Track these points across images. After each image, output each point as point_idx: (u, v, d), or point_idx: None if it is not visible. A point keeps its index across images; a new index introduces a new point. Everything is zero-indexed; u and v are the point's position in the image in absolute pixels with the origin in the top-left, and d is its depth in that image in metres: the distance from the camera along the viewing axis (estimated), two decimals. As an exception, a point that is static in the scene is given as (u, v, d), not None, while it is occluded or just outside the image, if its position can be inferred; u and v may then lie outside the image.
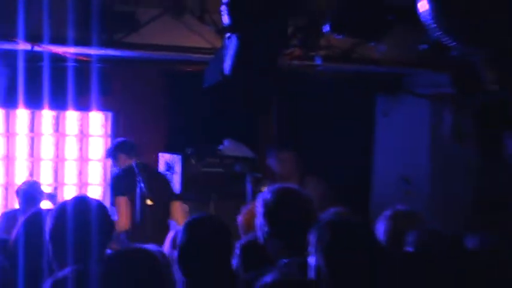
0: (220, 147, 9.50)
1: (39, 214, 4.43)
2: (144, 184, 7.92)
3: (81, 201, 4.16)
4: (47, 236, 4.09)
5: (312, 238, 3.89)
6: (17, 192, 8.36)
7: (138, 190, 7.96)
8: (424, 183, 10.07)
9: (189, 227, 4.38)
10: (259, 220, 4.50)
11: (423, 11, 5.25)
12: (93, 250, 3.97)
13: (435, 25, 5.31)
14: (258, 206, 4.53)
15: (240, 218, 5.51)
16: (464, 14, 5.17)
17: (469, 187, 9.89)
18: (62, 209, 4.08)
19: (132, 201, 8.05)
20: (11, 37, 7.70)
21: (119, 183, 8.26)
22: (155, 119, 10.05)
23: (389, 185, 9.98)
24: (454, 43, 5.47)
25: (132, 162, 8.21)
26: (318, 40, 7.71)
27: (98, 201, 4.25)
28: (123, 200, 8.05)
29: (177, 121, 10.12)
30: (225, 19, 6.41)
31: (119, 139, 8.91)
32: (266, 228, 4.43)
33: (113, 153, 8.56)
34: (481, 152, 9.55)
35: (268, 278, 3.75)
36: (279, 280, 3.77)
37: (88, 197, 4.26)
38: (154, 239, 5.54)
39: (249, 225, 5.23)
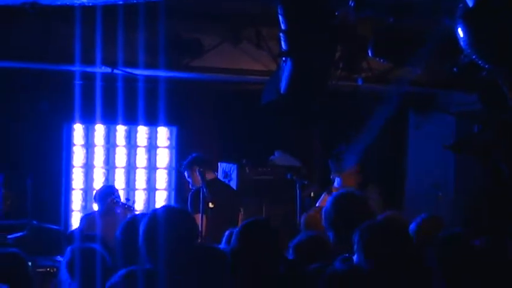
0: (272, 157, 9.55)
1: (136, 219, 4.51)
2: (206, 189, 7.84)
3: (170, 210, 4.21)
4: (140, 237, 4.13)
5: (354, 238, 3.96)
6: (95, 195, 8.39)
7: (201, 196, 7.84)
8: (450, 190, 10.06)
9: (242, 229, 4.44)
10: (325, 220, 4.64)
11: (460, 37, 5.29)
12: (178, 251, 4.00)
13: (470, 49, 5.34)
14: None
15: (302, 219, 5.58)
16: (497, 39, 5.21)
17: (488, 196, 9.87)
18: (153, 216, 4.12)
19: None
20: (92, 62, 7.83)
21: (195, 200, 8.04)
22: (215, 132, 10.10)
23: (420, 191, 9.96)
24: (486, 65, 5.51)
25: (213, 175, 8.08)
26: (360, 63, 7.74)
27: (184, 210, 4.29)
28: (197, 217, 7.85)
29: (234, 134, 10.16)
30: (283, 45, 6.48)
31: (197, 154, 8.69)
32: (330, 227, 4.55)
33: (195, 165, 8.40)
34: (504, 165, 9.53)
35: (335, 268, 3.78)
36: (346, 270, 3.79)
37: (176, 206, 4.30)
38: (214, 239, 5.54)
39: (309, 225, 5.31)
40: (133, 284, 3.69)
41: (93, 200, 8.43)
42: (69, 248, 4.49)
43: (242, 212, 8.78)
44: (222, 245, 5.10)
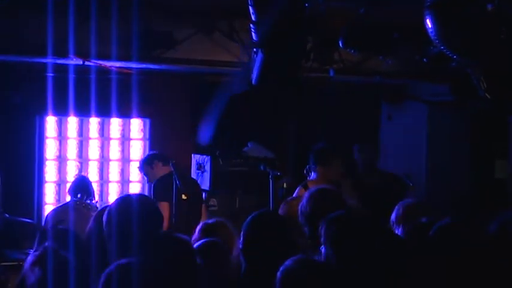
0: (245, 149, 9.56)
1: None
2: (179, 181, 7.89)
3: (128, 199, 4.23)
4: (105, 228, 4.12)
5: (321, 230, 3.97)
6: (69, 188, 8.38)
7: (174, 187, 7.90)
8: (423, 179, 10.14)
9: (253, 221, 4.48)
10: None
11: (428, 28, 5.34)
12: (146, 240, 3.99)
13: (438, 40, 5.39)
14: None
15: (281, 211, 5.60)
16: (464, 31, 5.25)
17: (461, 183, 9.96)
18: (122, 205, 4.12)
19: (172, 205, 7.98)
20: (64, 54, 7.80)
21: (159, 189, 8.15)
22: (188, 124, 10.09)
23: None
24: (455, 56, 5.56)
25: (168, 169, 8.11)
26: (332, 55, 7.77)
27: (143, 196, 4.29)
28: (165, 205, 7.89)
29: (205, 126, 10.15)
30: (254, 36, 6.49)
31: (153, 150, 8.93)
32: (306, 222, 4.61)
33: (149, 161, 8.47)
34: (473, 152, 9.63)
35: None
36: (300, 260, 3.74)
37: (134, 195, 4.31)
38: (188, 230, 5.56)
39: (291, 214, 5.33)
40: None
41: (67, 192, 8.43)
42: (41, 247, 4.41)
43: (205, 205, 8.82)
44: (195, 237, 5.10)
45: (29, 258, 4.04)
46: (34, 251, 4.32)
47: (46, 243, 4.08)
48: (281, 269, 3.50)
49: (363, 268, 3.67)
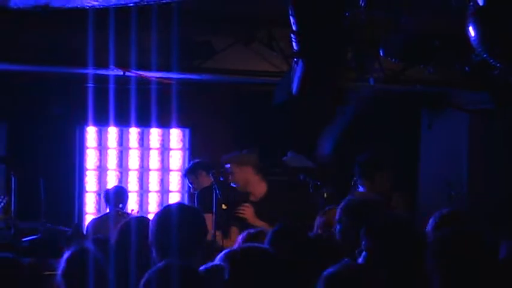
0: (284, 158, 9.55)
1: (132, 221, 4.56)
2: (219, 191, 7.87)
3: (182, 207, 4.23)
4: (150, 237, 4.14)
5: (361, 234, 3.99)
6: (105, 196, 8.47)
7: (214, 197, 7.88)
8: (464, 188, 10.06)
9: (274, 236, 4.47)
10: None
11: (470, 36, 5.30)
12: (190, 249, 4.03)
13: (481, 48, 5.36)
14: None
15: (321, 218, 5.60)
16: (508, 39, 5.22)
17: (502, 192, 9.87)
18: (164, 214, 4.15)
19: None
20: (105, 64, 7.88)
21: (203, 201, 8.05)
22: (228, 134, 10.11)
23: (434, 189, 9.96)
24: (498, 64, 5.52)
25: (210, 180, 8.09)
26: (372, 64, 7.75)
27: (195, 207, 4.32)
28: (209, 217, 7.88)
29: (244, 136, 10.17)
30: (294, 45, 6.50)
31: (196, 160, 8.83)
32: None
33: (193, 170, 8.48)
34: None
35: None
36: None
37: (187, 204, 4.34)
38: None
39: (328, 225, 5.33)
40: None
41: (104, 201, 8.50)
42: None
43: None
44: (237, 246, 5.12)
45: (65, 255, 4.10)
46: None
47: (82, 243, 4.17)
48: (325, 274, 3.48)
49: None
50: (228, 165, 7.90)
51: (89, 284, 3.92)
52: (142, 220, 4.77)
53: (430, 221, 5.18)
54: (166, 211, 4.21)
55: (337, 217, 4.92)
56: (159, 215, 4.23)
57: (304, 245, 4.36)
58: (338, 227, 4.90)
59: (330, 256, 4.18)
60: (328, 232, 5.14)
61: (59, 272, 4.13)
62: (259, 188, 8.02)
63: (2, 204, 8.48)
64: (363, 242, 4.04)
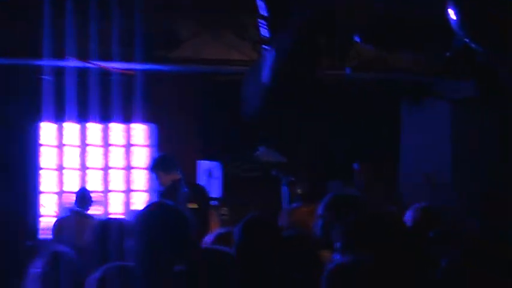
0: (256, 153, 9.55)
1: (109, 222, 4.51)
2: (187, 189, 7.85)
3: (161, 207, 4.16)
4: (134, 238, 4.07)
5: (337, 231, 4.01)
6: (67, 197, 8.47)
7: (181, 195, 7.86)
8: (447, 178, 10.14)
9: (245, 226, 4.45)
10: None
11: (452, 20, 5.30)
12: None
13: (462, 32, 5.36)
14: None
15: (286, 216, 5.58)
16: (490, 23, 5.22)
17: (489, 181, 9.94)
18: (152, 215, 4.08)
19: None
20: (61, 55, 7.80)
21: (166, 198, 8.06)
22: (195, 128, 10.08)
23: (416, 180, 10.04)
24: (480, 49, 5.52)
25: (173, 177, 8.04)
26: (348, 51, 7.74)
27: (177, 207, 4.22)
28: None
29: (214, 130, 10.14)
30: (264, 32, 6.47)
31: (157, 156, 8.79)
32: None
33: (153, 170, 8.42)
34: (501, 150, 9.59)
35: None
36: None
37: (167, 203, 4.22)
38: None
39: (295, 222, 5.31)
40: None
41: (70, 203, 8.49)
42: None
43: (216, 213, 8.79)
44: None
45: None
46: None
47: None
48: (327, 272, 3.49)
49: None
50: None
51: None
52: (118, 222, 4.70)
53: (407, 214, 5.23)
54: (153, 210, 4.09)
55: (319, 212, 4.93)
56: (145, 215, 4.09)
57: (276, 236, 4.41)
58: (320, 222, 4.90)
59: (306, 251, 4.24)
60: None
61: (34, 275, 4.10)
62: None
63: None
64: (341, 239, 4.04)
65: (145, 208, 4.03)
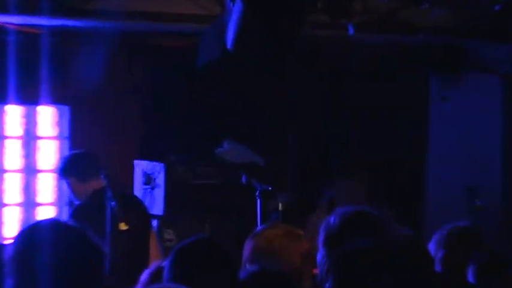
0: (218, 150, 9.64)
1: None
2: (115, 202, 7.83)
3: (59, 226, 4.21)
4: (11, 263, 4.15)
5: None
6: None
7: (107, 212, 7.84)
8: (497, 195, 10.21)
9: (177, 254, 4.55)
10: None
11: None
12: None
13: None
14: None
15: (250, 244, 5.69)
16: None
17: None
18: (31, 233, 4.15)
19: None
20: None
21: (81, 217, 8.04)
22: (127, 114, 10.14)
23: (449, 195, 10.16)
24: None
25: (94, 185, 8.05)
26: (350, 3, 7.87)
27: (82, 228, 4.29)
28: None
29: (157, 117, 10.20)
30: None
31: (69, 154, 8.78)
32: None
33: (63, 175, 8.33)
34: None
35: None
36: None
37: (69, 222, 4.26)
38: (130, 276, 5.62)
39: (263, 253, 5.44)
40: None
41: None
42: None
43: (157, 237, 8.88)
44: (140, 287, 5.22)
45: None
46: None
47: None
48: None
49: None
50: None
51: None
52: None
53: (434, 239, 5.40)
54: (33, 231, 4.19)
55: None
56: (21, 238, 4.19)
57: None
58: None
59: None
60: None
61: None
62: None
63: None
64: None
65: (22, 231, 3.99)
